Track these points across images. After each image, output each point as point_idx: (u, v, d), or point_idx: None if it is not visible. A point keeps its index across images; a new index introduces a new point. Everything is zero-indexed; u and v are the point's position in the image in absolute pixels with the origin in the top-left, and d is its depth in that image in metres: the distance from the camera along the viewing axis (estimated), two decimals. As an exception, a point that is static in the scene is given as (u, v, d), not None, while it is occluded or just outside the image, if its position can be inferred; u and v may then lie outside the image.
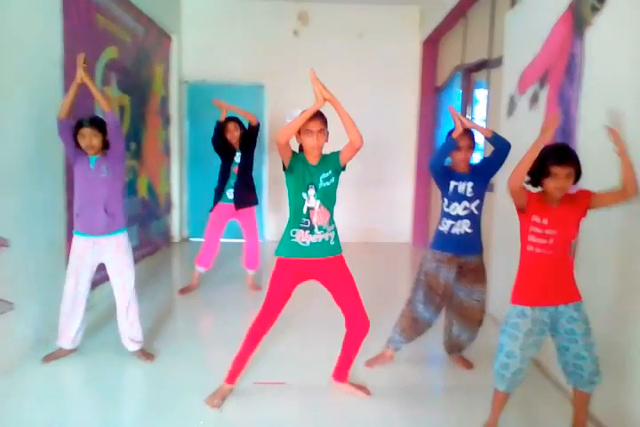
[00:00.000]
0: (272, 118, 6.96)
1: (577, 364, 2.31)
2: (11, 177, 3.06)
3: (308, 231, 2.56)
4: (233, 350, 2.76)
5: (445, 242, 3.02)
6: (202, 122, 7.08)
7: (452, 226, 2.98)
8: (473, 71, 5.39)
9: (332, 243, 2.63)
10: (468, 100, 5.55)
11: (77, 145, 3.02)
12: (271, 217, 7.16)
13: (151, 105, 5.95)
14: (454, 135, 2.89)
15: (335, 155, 2.56)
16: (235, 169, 4.51)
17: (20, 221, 3.15)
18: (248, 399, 2.76)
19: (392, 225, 7.30)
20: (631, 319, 2.39)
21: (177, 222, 6.92)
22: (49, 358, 3.11)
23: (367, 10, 6.95)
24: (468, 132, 2.95)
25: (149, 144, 5.86)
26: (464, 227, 2.97)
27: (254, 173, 4.67)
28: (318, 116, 2.46)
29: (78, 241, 3.07)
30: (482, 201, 3.00)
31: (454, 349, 3.25)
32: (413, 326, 3.09)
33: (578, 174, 2.25)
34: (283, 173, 2.56)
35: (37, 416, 2.56)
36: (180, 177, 6.93)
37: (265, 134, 6.88)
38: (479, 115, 5.35)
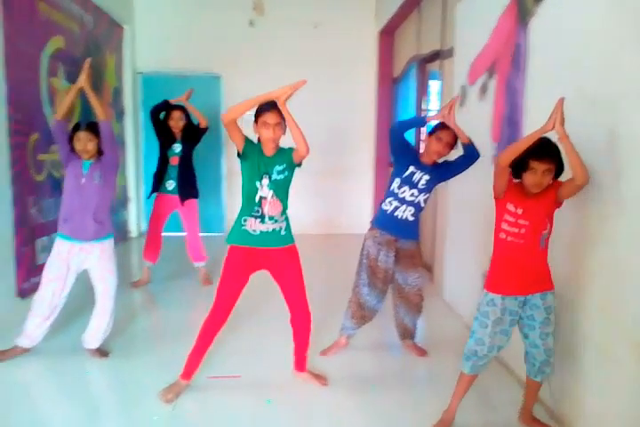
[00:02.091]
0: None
1: (531, 352, 2.36)
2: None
3: (258, 220, 2.57)
4: (188, 346, 2.73)
5: (387, 222, 3.07)
6: (157, 114, 6.95)
7: (396, 208, 3.03)
8: (427, 62, 5.42)
9: (282, 233, 2.63)
10: (422, 91, 5.58)
11: (72, 148, 2.98)
12: (231, 209, 7.07)
13: (104, 97, 5.79)
14: (428, 119, 3.00)
15: (291, 151, 2.57)
16: (173, 160, 4.41)
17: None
18: (202, 394, 2.74)
19: (352, 217, 7.30)
20: (576, 306, 2.43)
21: (134, 217, 6.79)
22: (4, 355, 3.02)
23: (323, 0, 6.91)
24: (453, 132, 2.95)
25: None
26: (407, 213, 3.03)
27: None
28: (276, 109, 2.45)
29: (64, 246, 2.99)
30: (429, 196, 3.06)
31: (405, 334, 3.30)
32: (361, 312, 3.13)
33: (559, 170, 2.21)
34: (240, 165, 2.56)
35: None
36: (136, 170, 6.79)
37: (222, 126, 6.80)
38: (433, 106, 5.40)
